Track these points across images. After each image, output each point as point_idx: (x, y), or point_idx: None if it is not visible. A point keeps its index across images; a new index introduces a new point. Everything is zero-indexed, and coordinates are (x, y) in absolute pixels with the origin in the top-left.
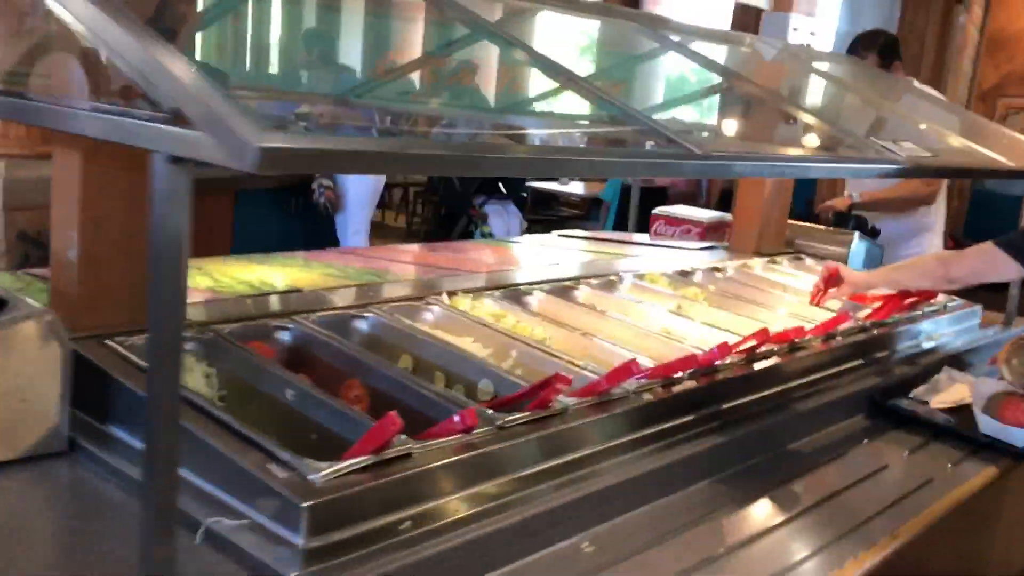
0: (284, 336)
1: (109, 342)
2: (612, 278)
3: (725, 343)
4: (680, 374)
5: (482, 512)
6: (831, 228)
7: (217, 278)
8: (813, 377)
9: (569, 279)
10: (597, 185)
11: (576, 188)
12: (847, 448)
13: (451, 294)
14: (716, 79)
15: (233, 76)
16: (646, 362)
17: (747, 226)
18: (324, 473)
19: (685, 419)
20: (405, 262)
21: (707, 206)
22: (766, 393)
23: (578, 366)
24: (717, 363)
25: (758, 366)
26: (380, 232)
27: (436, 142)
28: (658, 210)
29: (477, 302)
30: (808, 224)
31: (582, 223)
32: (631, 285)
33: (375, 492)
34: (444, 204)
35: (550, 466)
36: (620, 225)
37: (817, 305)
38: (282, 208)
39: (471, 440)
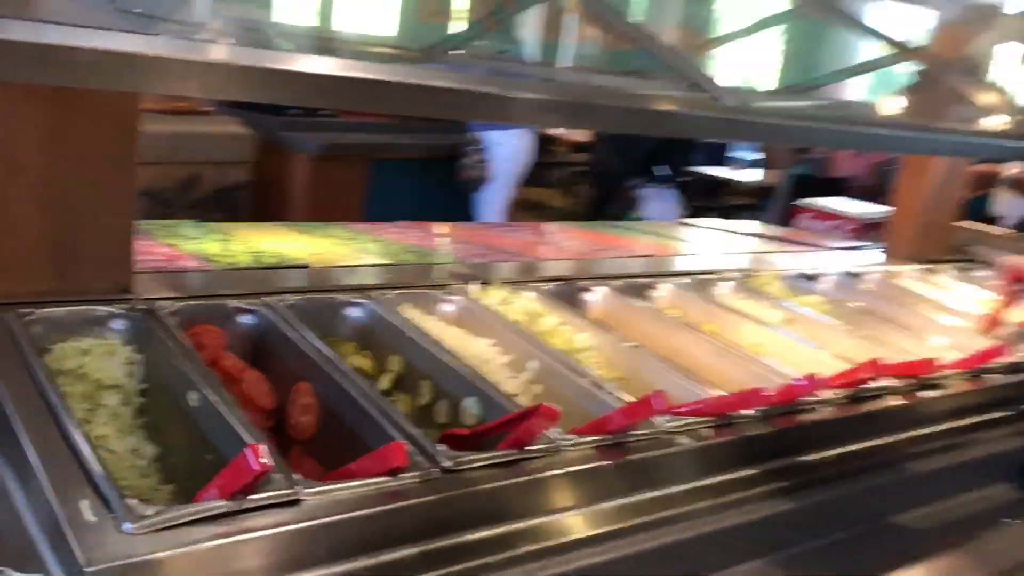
0: (245, 321)
1: (9, 314)
2: (709, 277)
3: (812, 376)
4: (745, 412)
5: None
6: (1017, 233)
7: (229, 246)
8: (941, 428)
9: (653, 275)
10: (778, 174)
11: (748, 176)
12: (979, 529)
13: (485, 283)
14: (878, 47)
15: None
16: (703, 392)
17: (905, 225)
18: (143, 523)
19: (738, 474)
20: (465, 241)
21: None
22: (867, 445)
23: (605, 389)
24: (799, 400)
25: (861, 408)
26: (538, 212)
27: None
28: (804, 201)
29: (515, 295)
30: (985, 227)
31: (753, 214)
32: (733, 287)
33: (212, 556)
34: (598, 185)
35: (510, 529)
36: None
37: (994, 324)
38: (420, 179)
39: (399, 486)
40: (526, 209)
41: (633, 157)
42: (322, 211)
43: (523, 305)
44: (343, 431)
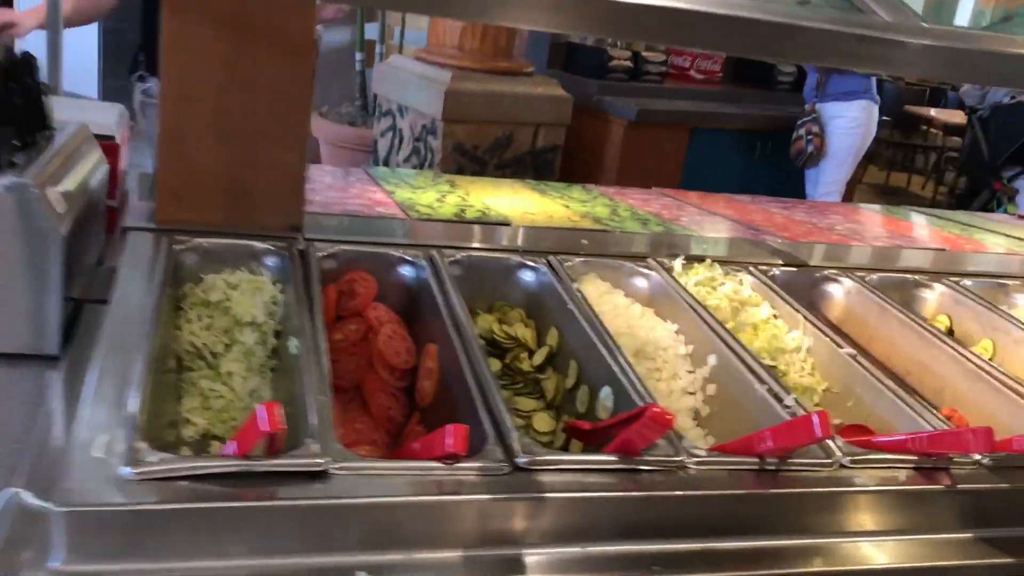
0: (405, 272)
1: (164, 239)
2: (1009, 281)
3: None
4: (971, 457)
5: None
6: None
7: (445, 198)
8: None
9: (929, 271)
10: None
11: None
12: None
13: (696, 260)
14: None
15: None
16: (931, 424)
17: None
18: (142, 470)
19: (936, 536)
20: (722, 215)
21: None
22: None
23: (783, 401)
24: None
25: None
26: (897, 199)
27: None
28: None
29: (727, 278)
30: None
31: None
32: None
33: (200, 518)
34: (966, 173)
35: (578, 554)
36: None
37: None
38: (745, 151)
39: (451, 477)
40: (881, 194)
41: (1012, 142)
42: (636, 178)
43: (731, 290)
44: (452, 403)
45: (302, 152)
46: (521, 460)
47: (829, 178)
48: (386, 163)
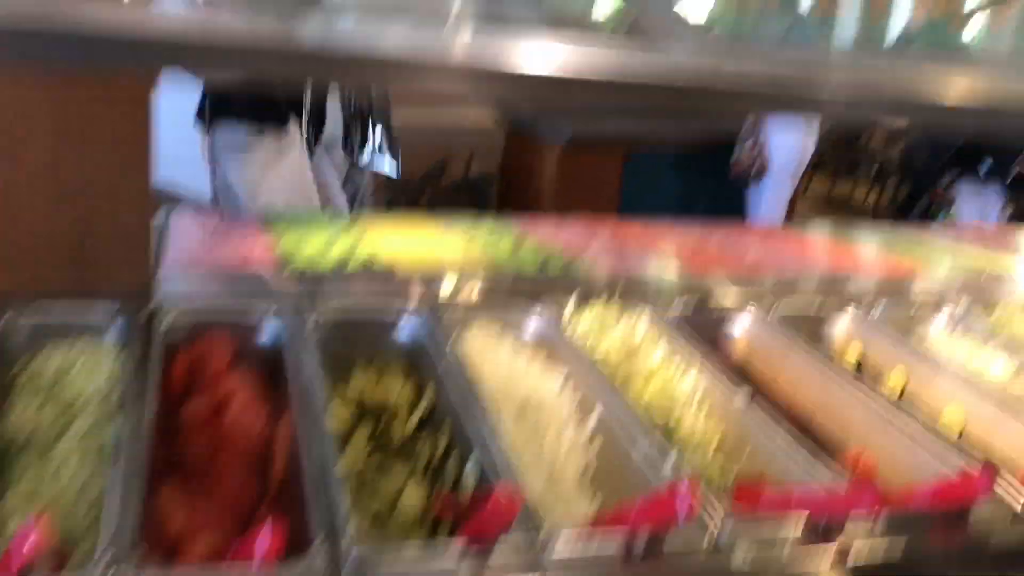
0: (265, 335)
1: None
2: (925, 302)
3: (992, 467)
4: (865, 519)
5: None
6: None
7: (336, 246)
8: None
9: (840, 298)
10: None
11: None
12: None
13: (584, 301)
14: None
15: None
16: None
17: None
18: None
19: None
20: (636, 245)
21: None
22: None
23: (661, 461)
24: (966, 502)
25: None
26: (840, 210)
27: None
28: None
29: (626, 317)
30: None
31: None
32: (950, 321)
33: None
34: (907, 180)
35: None
36: None
37: None
38: (683, 173)
39: None
40: (828, 206)
41: (948, 148)
42: (572, 205)
43: (624, 333)
44: (297, 489)
45: (146, 207)
46: (346, 564)
47: (771, 195)
48: None
